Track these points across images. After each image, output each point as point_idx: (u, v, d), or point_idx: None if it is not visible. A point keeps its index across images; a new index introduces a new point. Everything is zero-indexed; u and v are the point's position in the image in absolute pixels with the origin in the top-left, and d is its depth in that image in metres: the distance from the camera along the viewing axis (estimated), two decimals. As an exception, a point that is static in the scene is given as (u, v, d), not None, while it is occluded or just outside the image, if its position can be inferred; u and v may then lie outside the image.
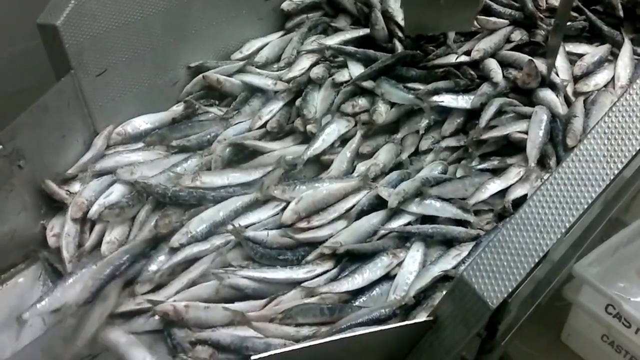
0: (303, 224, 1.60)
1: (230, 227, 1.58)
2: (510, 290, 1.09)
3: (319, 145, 1.80)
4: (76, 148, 1.79)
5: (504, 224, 1.20)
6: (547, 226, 1.11)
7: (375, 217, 1.64)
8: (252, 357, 1.09)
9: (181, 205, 1.65)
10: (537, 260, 1.10)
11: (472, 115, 1.89)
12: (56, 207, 1.69)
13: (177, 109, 2.01)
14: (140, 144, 1.90)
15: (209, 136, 1.88)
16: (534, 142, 1.72)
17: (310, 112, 1.88)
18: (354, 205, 1.67)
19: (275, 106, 1.95)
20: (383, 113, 1.89)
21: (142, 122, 1.93)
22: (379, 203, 1.66)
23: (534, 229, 1.11)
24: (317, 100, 1.94)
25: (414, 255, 1.58)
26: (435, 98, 1.88)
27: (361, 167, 1.80)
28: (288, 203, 1.65)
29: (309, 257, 1.56)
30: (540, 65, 1.89)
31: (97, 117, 1.83)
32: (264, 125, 1.91)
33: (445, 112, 1.92)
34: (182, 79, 2.06)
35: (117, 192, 1.70)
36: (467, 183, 1.72)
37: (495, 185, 1.70)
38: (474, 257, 1.16)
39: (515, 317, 1.81)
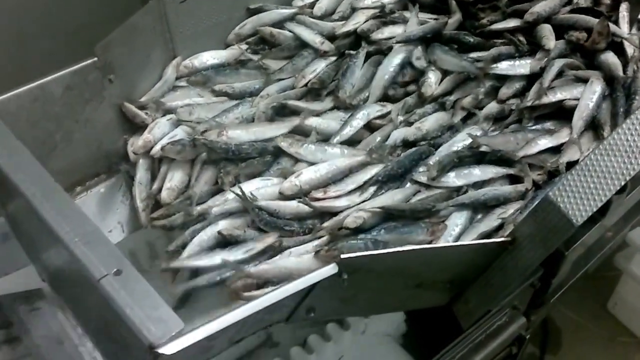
0: (319, 194, 1.56)
1: (237, 190, 1.54)
2: (594, 209, 1.12)
3: (346, 132, 1.74)
4: (157, 72, 1.85)
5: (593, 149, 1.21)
6: (636, 152, 1.13)
7: (399, 194, 1.59)
8: (342, 256, 1.14)
9: (240, 158, 1.64)
10: (622, 184, 1.13)
11: (532, 79, 1.85)
12: (137, 127, 1.75)
13: (243, 47, 2.00)
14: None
15: (253, 88, 1.88)
16: (581, 113, 1.68)
17: (345, 92, 1.84)
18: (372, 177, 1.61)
19: (319, 66, 1.93)
20: (433, 84, 1.83)
21: (210, 57, 1.94)
22: (396, 175, 1.62)
23: (622, 154, 1.14)
24: (357, 76, 1.88)
25: (462, 211, 1.55)
26: (493, 66, 1.85)
27: (396, 134, 1.73)
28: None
29: (325, 224, 1.51)
30: (613, 26, 1.88)
31: (178, 44, 1.88)
32: (307, 84, 1.88)
33: (503, 78, 1.88)
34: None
35: (182, 133, 1.72)
36: (520, 137, 1.69)
37: (545, 142, 1.66)
38: (561, 179, 1.19)
39: (565, 279, 1.84)
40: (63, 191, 1.23)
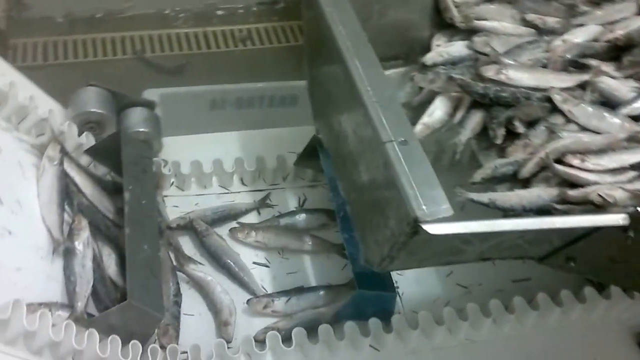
0: (576, 162, 1.33)
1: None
2: None
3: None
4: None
5: None
6: None
7: None
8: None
9: (503, 106, 1.45)
10: None
11: None
12: (445, 24, 1.69)
13: None
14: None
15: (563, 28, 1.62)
16: None
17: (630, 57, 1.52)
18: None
19: (636, 22, 1.58)
20: None
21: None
22: None
23: None
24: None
25: None
26: None
27: None
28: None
29: (573, 193, 1.27)
30: None
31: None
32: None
33: None
34: None
35: (459, 46, 1.60)
36: None
37: None
38: None
39: None
40: (374, 54, 1.26)
